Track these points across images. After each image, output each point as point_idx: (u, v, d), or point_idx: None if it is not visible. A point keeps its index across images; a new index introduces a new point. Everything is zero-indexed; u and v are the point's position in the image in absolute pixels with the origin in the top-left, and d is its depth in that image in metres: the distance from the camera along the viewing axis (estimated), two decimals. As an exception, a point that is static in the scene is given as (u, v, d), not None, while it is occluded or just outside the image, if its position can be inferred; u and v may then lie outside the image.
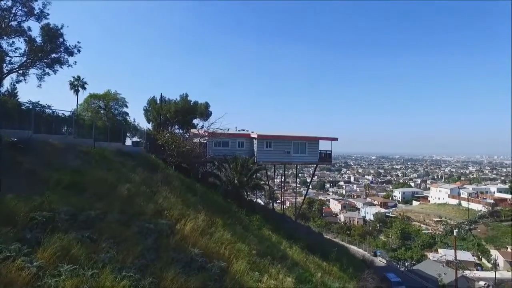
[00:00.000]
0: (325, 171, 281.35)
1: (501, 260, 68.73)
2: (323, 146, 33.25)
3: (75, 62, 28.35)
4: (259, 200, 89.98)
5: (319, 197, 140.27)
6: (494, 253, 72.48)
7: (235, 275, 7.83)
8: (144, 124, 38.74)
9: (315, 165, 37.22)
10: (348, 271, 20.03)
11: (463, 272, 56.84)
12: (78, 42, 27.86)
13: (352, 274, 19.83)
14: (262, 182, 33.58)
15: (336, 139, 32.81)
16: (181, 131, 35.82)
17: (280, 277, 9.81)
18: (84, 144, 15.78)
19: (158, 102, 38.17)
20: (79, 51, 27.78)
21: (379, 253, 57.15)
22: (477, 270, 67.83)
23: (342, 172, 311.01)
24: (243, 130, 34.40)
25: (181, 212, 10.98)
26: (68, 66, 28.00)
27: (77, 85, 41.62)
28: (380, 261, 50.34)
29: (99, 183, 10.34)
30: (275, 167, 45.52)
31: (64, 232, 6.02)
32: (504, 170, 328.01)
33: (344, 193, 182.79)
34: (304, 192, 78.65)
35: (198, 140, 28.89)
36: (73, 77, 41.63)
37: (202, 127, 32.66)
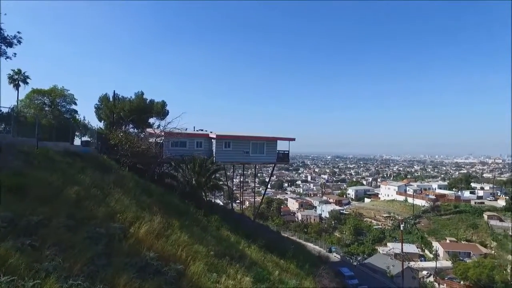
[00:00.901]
0: (283, 171, 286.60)
1: (441, 251, 75.20)
2: (281, 146, 33.94)
3: (15, 54, 25.83)
4: (218, 201, 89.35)
5: (278, 197, 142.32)
6: (435, 244, 79.14)
7: (192, 277, 7.69)
8: (95, 123, 36.55)
9: (273, 165, 37.76)
10: (305, 268, 20.60)
11: (408, 263, 61.24)
12: (19, 32, 25.42)
13: (308, 271, 20.43)
14: (221, 183, 33.42)
15: (293, 139, 33.63)
16: (136, 131, 34.37)
17: (238, 277, 9.82)
18: (25, 144, 14.51)
19: (111, 99, 36.26)
20: (19, 42, 25.34)
21: (334, 249, 59.53)
22: (421, 261, 73.58)
23: (300, 171, 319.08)
24: (202, 130, 33.95)
25: (136, 214, 10.53)
26: (6, 58, 25.41)
27: (17, 79, 38.04)
28: (335, 256, 52.48)
29: (43, 186, 9.55)
30: (234, 167, 45.49)
31: (1, 240, 5.47)
32: (444, 168, 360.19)
33: (301, 192, 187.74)
34: (263, 192, 79.65)
35: (154, 140, 27.94)
36: (13, 70, 38.04)
37: (159, 126, 31.63)
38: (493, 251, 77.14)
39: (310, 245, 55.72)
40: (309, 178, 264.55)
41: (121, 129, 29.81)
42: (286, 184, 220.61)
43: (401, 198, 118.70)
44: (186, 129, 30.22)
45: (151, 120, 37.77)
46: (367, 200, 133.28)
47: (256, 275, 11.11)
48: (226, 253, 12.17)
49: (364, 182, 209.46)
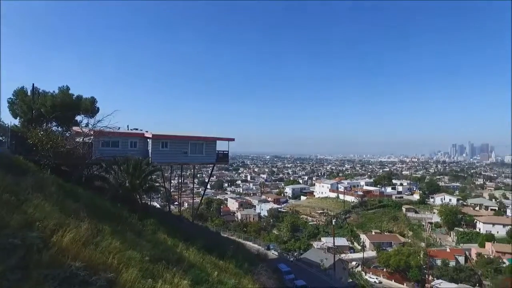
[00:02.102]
0: (223, 171, 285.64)
1: (367, 242, 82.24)
2: (221, 146, 33.84)
3: None
4: (155, 203, 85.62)
5: (218, 197, 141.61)
6: (362, 237, 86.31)
7: (124, 285, 7.20)
8: (9, 120, 32.21)
9: (213, 165, 37.41)
10: (244, 267, 20.80)
11: (340, 255, 65.81)
12: None
13: (247, 269, 20.67)
14: (158, 184, 32.02)
15: (232, 139, 33.75)
16: (60, 129, 31.15)
17: (176, 281, 9.51)
18: None
19: (29, 93, 32.32)
20: None
21: (272, 246, 61.14)
22: (351, 252, 79.68)
23: (240, 171, 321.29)
24: (136, 129, 32.17)
25: (59, 221, 9.50)
26: None
27: None
28: (273, 253, 53.90)
29: None
30: (172, 168, 44.00)
31: None
32: (370, 166, 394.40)
33: (241, 191, 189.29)
34: (202, 193, 78.43)
35: (81, 139, 25.60)
36: None
37: (87, 125, 29.11)
38: (409, 240, 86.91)
39: (249, 243, 56.42)
40: (248, 178, 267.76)
41: (42, 127, 26.72)
42: (226, 184, 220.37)
43: (334, 195, 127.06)
44: (119, 128, 28.31)
45: (79, 118, 34.62)
46: (303, 198, 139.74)
47: (194, 278, 10.89)
48: (163, 257, 11.69)
49: (301, 181, 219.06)
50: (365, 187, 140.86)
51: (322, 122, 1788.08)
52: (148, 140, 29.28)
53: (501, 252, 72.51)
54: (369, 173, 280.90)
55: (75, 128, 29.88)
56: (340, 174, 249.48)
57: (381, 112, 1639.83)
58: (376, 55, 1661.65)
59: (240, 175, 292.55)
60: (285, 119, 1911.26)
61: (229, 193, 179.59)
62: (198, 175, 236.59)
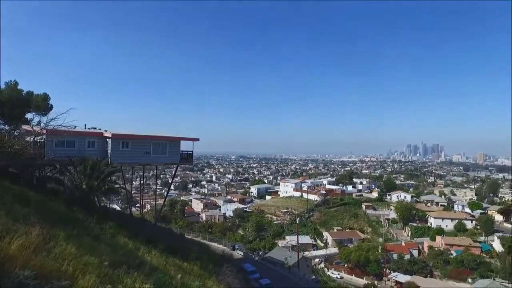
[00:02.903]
0: (187, 171, 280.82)
1: (330, 239, 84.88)
2: (185, 146, 33.14)
3: None
4: (115, 206, 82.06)
5: (182, 198, 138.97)
6: (325, 234, 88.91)
7: (80, 292, 6.78)
8: None
9: (176, 166, 36.60)
10: (208, 268, 20.56)
11: (303, 253, 67.25)
12: None
13: (212, 270, 20.45)
14: (118, 186, 30.70)
15: (197, 139, 33.21)
16: (7, 128, 28.71)
17: (137, 286, 9.11)
18: None
19: (-29, 89, 29.49)
20: None
21: (237, 246, 61.09)
22: (314, 250, 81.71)
23: (205, 171, 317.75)
24: (95, 128, 30.55)
25: (6, 227, 8.76)
26: None
27: None
28: (238, 254, 53.88)
29: None
30: (134, 169, 42.40)
31: None
32: (332, 166, 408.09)
33: (206, 192, 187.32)
34: (166, 194, 76.49)
35: (32, 138, 23.79)
36: None
37: (39, 123, 27.12)
38: (369, 236, 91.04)
39: (214, 244, 55.91)
40: (214, 178, 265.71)
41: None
42: (190, 185, 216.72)
43: (298, 194, 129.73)
44: (75, 127, 26.67)
45: (29, 116, 32.21)
46: (268, 197, 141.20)
47: (156, 281, 10.52)
48: (123, 262, 11.17)
49: (266, 181, 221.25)
50: (328, 186, 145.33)
51: (287, 122, 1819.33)
52: (108, 139, 27.91)
53: (449, 244, 78.34)
54: (331, 172, 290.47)
55: (25, 127, 27.75)
56: (304, 174, 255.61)
57: (343, 114, 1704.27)
58: (332, 56, 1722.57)
59: (205, 175, 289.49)
60: (252, 119, 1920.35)
61: (193, 193, 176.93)
62: (162, 176, 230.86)
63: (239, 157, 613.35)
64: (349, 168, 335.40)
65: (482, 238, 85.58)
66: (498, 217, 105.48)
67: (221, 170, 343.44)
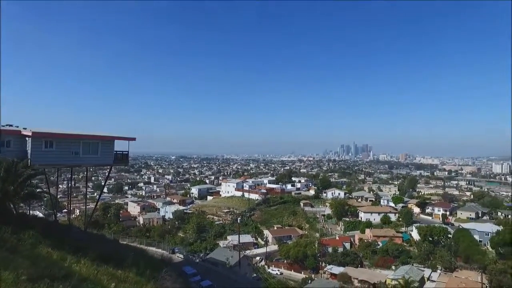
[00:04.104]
0: (123, 173, 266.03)
1: (270, 237, 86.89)
2: (120, 146, 31.00)
3: None
4: (37, 212, 73.86)
5: (117, 201, 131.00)
6: (266, 232, 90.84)
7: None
8: None
9: (110, 167, 34.06)
10: (146, 274, 19.52)
11: (245, 252, 67.93)
12: None
13: (149, 276, 19.44)
14: (40, 190, 27.44)
15: (133, 139, 31.25)
16: None
17: (61, 300, 8.24)
18: None
19: None
20: None
21: (177, 249, 59.38)
22: (255, 248, 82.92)
23: (142, 173, 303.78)
24: (11, 125, 26.94)
25: None
26: None
27: None
28: (178, 257, 52.37)
29: None
30: (60, 171, 38.45)
31: None
32: (273, 165, 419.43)
33: (144, 194, 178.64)
34: (98, 197, 70.95)
35: None
36: None
37: None
38: (306, 232, 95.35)
39: (152, 249, 53.49)
40: (152, 180, 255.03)
41: None
42: (126, 187, 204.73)
43: (239, 193, 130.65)
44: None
45: None
46: (209, 198, 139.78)
47: (85, 293, 9.64)
48: (45, 275, 10.05)
49: (207, 181, 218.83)
50: (268, 185, 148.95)
51: (229, 123, 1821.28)
52: (27, 138, 24.80)
53: (376, 236, 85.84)
54: (272, 172, 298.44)
55: None
56: (246, 173, 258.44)
57: (283, 115, 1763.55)
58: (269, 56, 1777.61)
59: (143, 176, 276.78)
60: (194, 119, 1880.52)
61: (130, 196, 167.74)
62: (93, 178, 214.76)
63: (179, 158, 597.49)
64: (288, 168, 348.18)
65: (403, 229, 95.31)
66: (416, 209, 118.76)
67: (160, 171, 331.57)
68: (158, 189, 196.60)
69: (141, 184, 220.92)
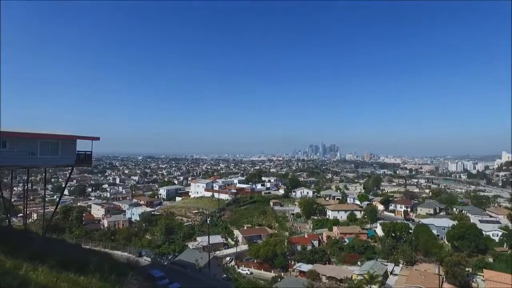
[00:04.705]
0: (86, 174, 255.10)
1: (240, 237, 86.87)
2: (83, 146, 29.45)
3: None
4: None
5: (79, 204, 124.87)
6: (236, 232, 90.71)
7: None
8: None
9: (71, 168, 32.29)
10: (110, 279, 18.71)
11: (214, 253, 67.35)
12: None
13: (114, 281, 18.66)
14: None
15: (97, 138, 29.76)
16: None
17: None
18: None
19: None
20: None
21: (144, 252, 57.68)
22: (225, 248, 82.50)
23: (107, 173, 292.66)
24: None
25: None
26: None
27: None
28: (146, 260, 50.87)
29: None
30: (14, 173, 35.91)
31: None
32: (243, 165, 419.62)
33: (109, 196, 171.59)
34: (58, 200, 67.13)
35: None
36: None
37: None
38: (276, 231, 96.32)
39: (118, 253, 51.48)
40: (117, 181, 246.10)
41: None
42: (89, 189, 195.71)
43: (209, 194, 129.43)
44: None
45: None
46: (178, 198, 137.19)
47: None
48: (-3, 285, 9.27)
49: (176, 182, 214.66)
50: (238, 185, 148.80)
51: (197, 122, 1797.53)
52: (-23, 138, 22.84)
53: (343, 233, 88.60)
54: (242, 172, 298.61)
55: None
56: (215, 173, 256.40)
57: (255, 115, 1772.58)
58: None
59: (107, 178, 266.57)
60: (163, 119, 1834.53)
61: (93, 198, 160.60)
62: (53, 180, 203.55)
63: (146, 158, 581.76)
64: (258, 167, 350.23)
65: (368, 226, 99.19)
66: (380, 207, 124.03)
67: (126, 171, 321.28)
68: (124, 190, 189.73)
69: (105, 186, 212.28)
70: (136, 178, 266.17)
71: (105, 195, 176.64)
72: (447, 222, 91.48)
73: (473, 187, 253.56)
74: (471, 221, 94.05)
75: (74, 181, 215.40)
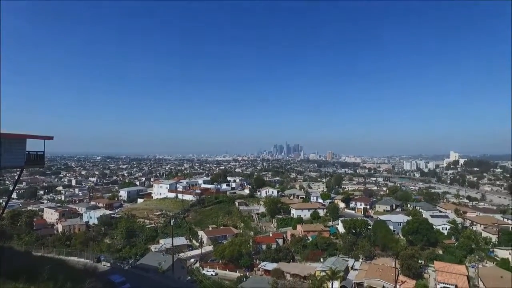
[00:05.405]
0: (38, 176, 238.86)
1: (205, 238, 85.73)
2: (34, 146, 27.21)
3: None
4: None
5: (29, 208, 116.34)
6: (200, 233, 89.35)
7: None
8: None
9: (21, 169, 29.79)
10: (66, 287, 17.57)
11: (178, 255, 65.77)
12: None
13: (70, 290, 17.54)
14: None
15: (50, 138, 27.60)
16: None
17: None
18: None
19: None
20: None
21: (103, 257, 54.79)
22: (189, 250, 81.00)
23: (61, 175, 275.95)
24: None
25: None
26: None
27: None
28: (104, 265, 48.34)
29: None
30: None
31: None
32: (208, 165, 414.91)
33: (63, 199, 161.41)
34: (5, 205, 61.81)
35: None
36: None
37: None
38: (241, 231, 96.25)
39: (74, 259, 48.43)
40: (73, 183, 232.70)
41: None
42: (41, 192, 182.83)
43: (173, 195, 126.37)
44: None
45: None
46: (140, 200, 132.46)
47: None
48: None
49: (138, 183, 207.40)
50: (203, 185, 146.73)
51: (161, 122, 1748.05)
52: None
53: (307, 231, 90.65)
54: (206, 172, 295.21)
55: None
56: (179, 174, 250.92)
57: (217, 115, 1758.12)
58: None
59: (62, 179, 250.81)
60: (125, 118, 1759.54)
61: (46, 202, 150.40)
62: None
63: (105, 158, 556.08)
64: (223, 167, 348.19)
65: (330, 223, 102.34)
66: (342, 204, 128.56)
67: (83, 172, 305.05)
68: (81, 193, 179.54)
69: (60, 188, 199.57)
70: (94, 179, 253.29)
71: (60, 198, 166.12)
72: (402, 218, 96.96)
73: (425, 185, 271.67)
74: (424, 216, 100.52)
75: (24, 183, 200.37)
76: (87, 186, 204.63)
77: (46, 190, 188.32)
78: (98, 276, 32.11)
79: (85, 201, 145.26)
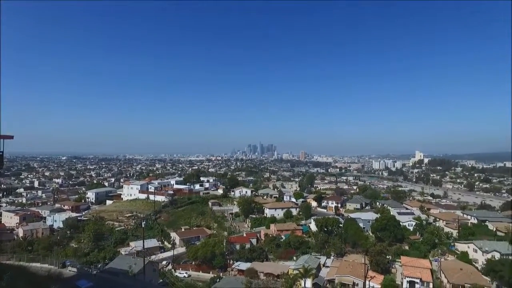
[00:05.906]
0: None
1: (177, 240, 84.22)
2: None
3: None
4: None
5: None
6: (173, 235, 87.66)
7: None
8: None
9: (-23, 170, 27.73)
10: (27, 296, 16.48)
11: (150, 258, 64.09)
12: None
13: (32, 299, 16.49)
14: None
15: (10, 137, 25.96)
16: None
17: None
18: None
19: None
20: None
21: (69, 262, 52.27)
22: (161, 252, 79.17)
23: (22, 176, 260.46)
24: None
25: None
26: None
27: None
28: (71, 270, 46.10)
29: None
30: None
31: None
32: (180, 165, 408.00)
33: (24, 202, 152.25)
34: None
35: None
36: None
37: None
38: (215, 231, 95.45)
39: (36, 265, 45.82)
40: (36, 184, 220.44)
41: None
42: (0, 194, 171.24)
43: (144, 196, 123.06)
44: None
45: None
46: (109, 202, 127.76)
47: None
48: None
49: (106, 184, 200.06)
50: (176, 186, 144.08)
51: (132, 121, 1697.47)
52: None
53: (280, 230, 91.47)
54: (179, 172, 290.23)
55: None
56: (151, 174, 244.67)
57: (191, 115, 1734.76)
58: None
59: (23, 181, 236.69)
60: (93, 116, 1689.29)
61: (4, 205, 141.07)
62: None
63: (71, 158, 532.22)
64: (196, 167, 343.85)
65: (303, 222, 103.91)
66: (314, 203, 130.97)
67: (47, 173, 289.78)
68: (44, 195, 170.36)
69: (21, 190, 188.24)
70: (59, 180, 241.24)
71: (21, 200, 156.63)
72: (371, 216, 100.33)
73: (392, 183, 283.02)
74: (391, 213, 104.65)
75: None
76: (51, 188, 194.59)
77: (5, 193, 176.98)
78: (64, 282, 30.63)
79: (49, 203, 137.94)
